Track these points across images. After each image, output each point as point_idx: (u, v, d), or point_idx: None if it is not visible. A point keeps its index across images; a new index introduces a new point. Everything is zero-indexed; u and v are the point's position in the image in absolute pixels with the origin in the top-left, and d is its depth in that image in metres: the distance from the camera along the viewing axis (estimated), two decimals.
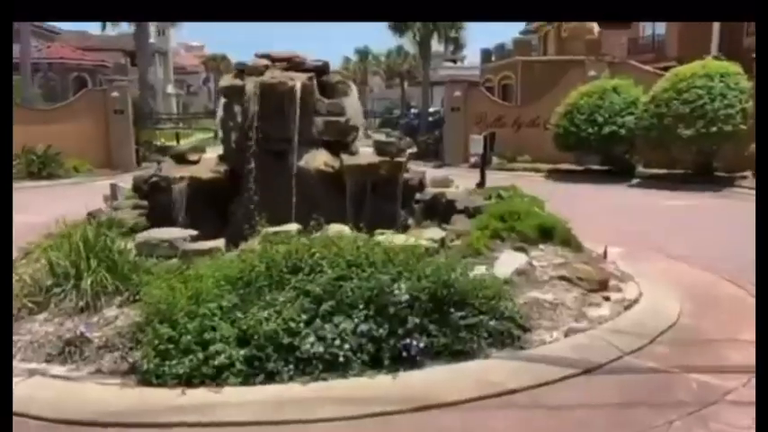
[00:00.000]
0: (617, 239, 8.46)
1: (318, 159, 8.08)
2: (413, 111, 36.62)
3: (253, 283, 4.49)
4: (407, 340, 4.28)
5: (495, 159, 19.38)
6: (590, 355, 4.58)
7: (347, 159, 8.15)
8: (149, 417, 3.80)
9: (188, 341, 3.99)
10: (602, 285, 5.89)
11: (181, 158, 8.83)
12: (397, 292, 4.39)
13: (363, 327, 4.25)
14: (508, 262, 5.82)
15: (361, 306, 4.34)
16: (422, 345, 4.30)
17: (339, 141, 8.37)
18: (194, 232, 6.63)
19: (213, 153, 9.20)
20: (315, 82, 8.41)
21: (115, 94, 21.53)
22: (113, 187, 9.79)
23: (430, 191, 11.00)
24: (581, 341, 4.83)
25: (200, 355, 3.98)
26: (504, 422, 3.83)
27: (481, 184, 11.66)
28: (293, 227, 6.34)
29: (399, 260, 4.73)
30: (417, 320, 4.37)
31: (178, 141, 23.90)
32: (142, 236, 6.47)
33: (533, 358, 4.48)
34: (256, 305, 4.27)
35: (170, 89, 56.34)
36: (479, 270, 5.55)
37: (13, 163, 18.77)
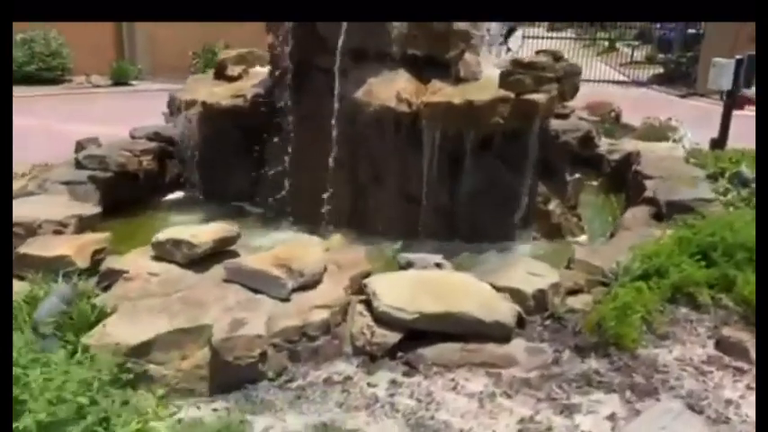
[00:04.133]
0: None
1: (390, 87, 4.64)
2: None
3: None
4: None
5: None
6: None
7: (435, 91, 4.61)
8: None
9: None
10: None
11: (220, 72, 6.00)
12: None
13: None
14: None
15: None
16: None
17: (432, 58, 4.78)
18: (84, 211, 3.83)
19: None
20: None
21: None
22: (172, 100, 7.22)
23: (625, 147, 7.00)
24: None
25: None
26: None
27: (720, 142, 7.11)
28: (204, 236, 3.16)
29: None
30: None
31: None
32: None
33: None
34: None
35: None
36: None
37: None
